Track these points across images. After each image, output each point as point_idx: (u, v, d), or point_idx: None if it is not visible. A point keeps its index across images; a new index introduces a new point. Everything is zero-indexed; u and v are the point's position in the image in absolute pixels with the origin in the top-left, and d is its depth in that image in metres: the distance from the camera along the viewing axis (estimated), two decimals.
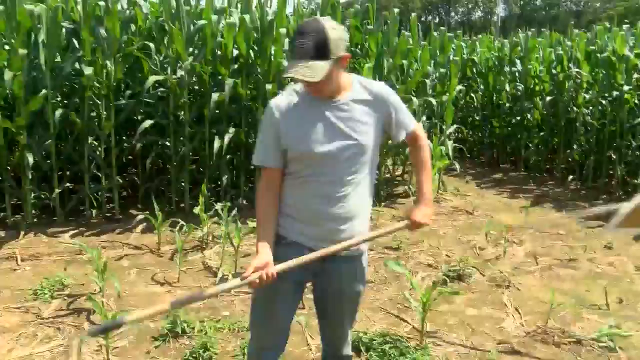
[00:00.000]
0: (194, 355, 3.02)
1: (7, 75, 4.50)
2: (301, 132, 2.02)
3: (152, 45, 5.43)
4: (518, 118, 8.42)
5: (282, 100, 2.07)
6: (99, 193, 5.26)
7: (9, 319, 3.42)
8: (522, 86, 8.29)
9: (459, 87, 7.47)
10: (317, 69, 1.89)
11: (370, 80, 2.19)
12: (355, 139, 2.05)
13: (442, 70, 7.13)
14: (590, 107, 7.58)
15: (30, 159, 4.75)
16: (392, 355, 3.07)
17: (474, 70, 9.25)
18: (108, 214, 5.32)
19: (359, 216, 2.11)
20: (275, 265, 1.95)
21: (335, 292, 2.21)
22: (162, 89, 5.56)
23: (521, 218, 5.78)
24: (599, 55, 7.34)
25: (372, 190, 2.19)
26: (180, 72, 5.35)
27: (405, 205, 6.21)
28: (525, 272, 4.44)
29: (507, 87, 8.53)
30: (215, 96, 5.33)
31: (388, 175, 6.90)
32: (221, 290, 2.04)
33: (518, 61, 8.49)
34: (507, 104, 8.63)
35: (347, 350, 2.41)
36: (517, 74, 8.47)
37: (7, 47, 4.63)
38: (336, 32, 1.93)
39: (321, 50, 1.90)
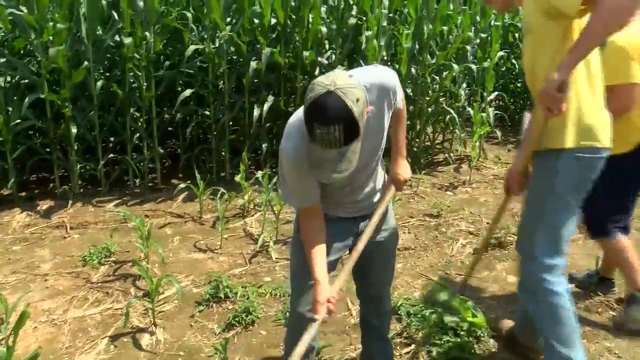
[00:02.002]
0: (237, 319, 3.09)
1: (52, 49, 4.59)
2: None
3: (189, 15, 5.44)
4: None
5: (296, 145, 1.85)
6: (142, 163, 5.36)
7: (63, 283, 3.55)
8: None
9: (500, 53, 7.25)
10: (350, 157, 1.68)
11: (363, 72, 1.95)
12: (374, 155, 2.06)
13: (483, 35, 6.94)
14: None
15: (75, 130, 4.86)
16: (433, 321, 3.07)
17: (516, 35, 8.96)
18: (150, 184, 5.42)
19: (381, 182, 2.25)
20: (333, 287, 1.93)
21: (371, 246, 2.20)
22: (200, 58, 5.59)
23: None
24: None
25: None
26: (218, 42, 5.36)
27: (445, 172, 6.12)
28: None
29: None
30: (253, 65, 5.32)
31: (428, 143, 6.81)
32: (306, 343, 1.77)
33: None
34: None
35: (388, 306, 2.51)
36: None
37: (51, 23, 4.71)
38: (360, 103, 1.64)
39: (351, 134, 1.65)
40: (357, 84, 1.67)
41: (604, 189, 2.76)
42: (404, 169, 2.26)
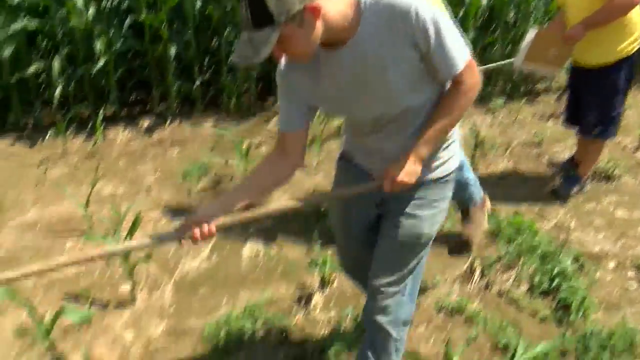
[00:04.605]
0: None
1: None
2: (319, 95, 1.65)
3: None
4: None
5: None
6: (236, 83, 5.39)
7: (165, 196, 3.71)
8: None
9: None
10: (259, 44, 1.37)
11: None
12: (381, 94, 1.58)
13: None
14: None
15: (173, 51, 4.95)
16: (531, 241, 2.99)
17: None
18: (245, 104, 5.44)
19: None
20: (218, 220, 1.61)
21: (389, 224, 1.84)
22: None
23: None
24: None
25: (434, 104, 1.66)
26: None
27: (547, 102, 5.76)
28: None
29: None
30: None
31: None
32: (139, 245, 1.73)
33: None
34: None
35: (385, 319, 1.91)
36: None
37: None
38: None
39: (259, 15, 1.35)
40: None
41: (623, 91, 3.29)
42: (405, 167, 1.64)
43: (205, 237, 1.60)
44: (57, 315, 2.40)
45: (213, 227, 1.59)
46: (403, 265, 1.85)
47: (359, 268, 2.04)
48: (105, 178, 3.96)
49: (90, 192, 3.51)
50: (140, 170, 4.10)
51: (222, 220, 1.62)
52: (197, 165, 4.02)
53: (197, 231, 1.57)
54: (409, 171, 1.64)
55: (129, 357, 2.49)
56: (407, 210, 1.78)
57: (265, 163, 1.75)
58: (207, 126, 4.90)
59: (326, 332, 2.54)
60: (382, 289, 1.87)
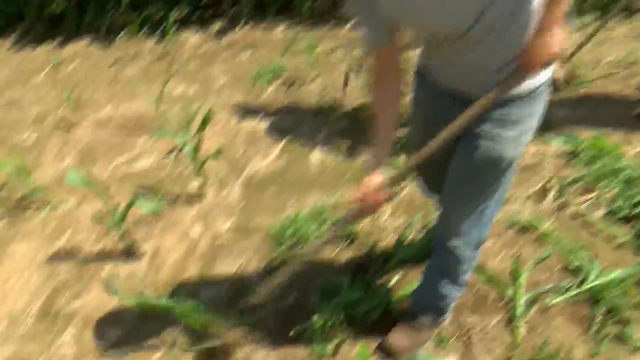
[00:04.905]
0: None
1: None
2: (391, 7, 1.41)
3: None
4: None
5: None
6: None
7: (235, 97, 3.70)
8: None
9: None
10: None
11: None
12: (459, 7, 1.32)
13: None
14: None
15: None
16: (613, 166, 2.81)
17: None
18: (318, 10, 5.25)
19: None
20: (385, 181, 1.54)
21: (466, 146, 1.60)
22: None
23: None
24: None
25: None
26: None
27: None
28: None
29: None
30: None
31: None
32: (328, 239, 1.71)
33: None
34: None
35: (458, 242, 1.77)
36: None
37: None
38: None
39: None
40: None
41: None
42: (535, 45, 1.34)
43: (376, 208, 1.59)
44: (130, 205, 2.48)
45: (382, 196, 1.57)
46: (480, 191, 1.66)
47: (437, 184, 1.88)
48: (176, 79, 3.98)
49: (162, 92, 3.53)
50: (210, 72, 4.08)
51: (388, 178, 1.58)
52: (268, 68, 3.95)
53: (369, 204, 1.56)
54: (552, 41, 1.33)
55: (196, 250, 2.56)
56: (488, 130, 1.53)
57: (377, 91, 1.61)
58: (279, 31, 4.78)
59: (392, 239, 2.51)
60: (457, 214, 1.72)
